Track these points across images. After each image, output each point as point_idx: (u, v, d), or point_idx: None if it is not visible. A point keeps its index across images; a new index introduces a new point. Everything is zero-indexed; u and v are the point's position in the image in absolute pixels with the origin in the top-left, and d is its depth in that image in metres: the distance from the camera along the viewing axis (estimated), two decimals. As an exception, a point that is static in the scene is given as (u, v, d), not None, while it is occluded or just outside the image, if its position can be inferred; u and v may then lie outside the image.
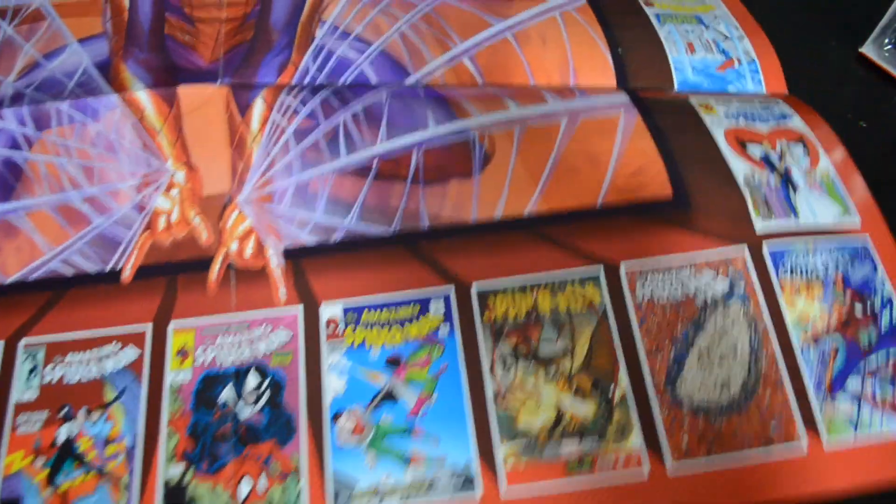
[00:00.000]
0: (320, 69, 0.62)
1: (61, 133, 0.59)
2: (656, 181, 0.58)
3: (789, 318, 0.54)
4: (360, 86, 0.62)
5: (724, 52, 0.67)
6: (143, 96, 0.60)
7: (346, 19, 0.65)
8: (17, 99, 0.60)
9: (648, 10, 0.69)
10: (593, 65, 0.65)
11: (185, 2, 0.66)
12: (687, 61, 0.66)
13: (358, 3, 0.66)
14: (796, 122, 0.62)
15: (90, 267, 0.54)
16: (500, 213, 0.57)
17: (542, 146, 0.59)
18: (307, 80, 0.61)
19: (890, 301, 0.54)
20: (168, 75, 0.61)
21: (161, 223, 0.56)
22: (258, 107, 0.60)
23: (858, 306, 0.54)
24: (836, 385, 0.52)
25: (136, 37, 0.63)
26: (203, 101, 0.60)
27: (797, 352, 0.53)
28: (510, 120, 0.61)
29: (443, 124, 0.60)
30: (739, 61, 0.67)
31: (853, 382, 0.52)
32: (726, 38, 0.68)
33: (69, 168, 0.57)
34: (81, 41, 0.63)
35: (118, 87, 0.60)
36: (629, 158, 0.59)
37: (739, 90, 0.66)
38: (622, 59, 0.65)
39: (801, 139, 0.61)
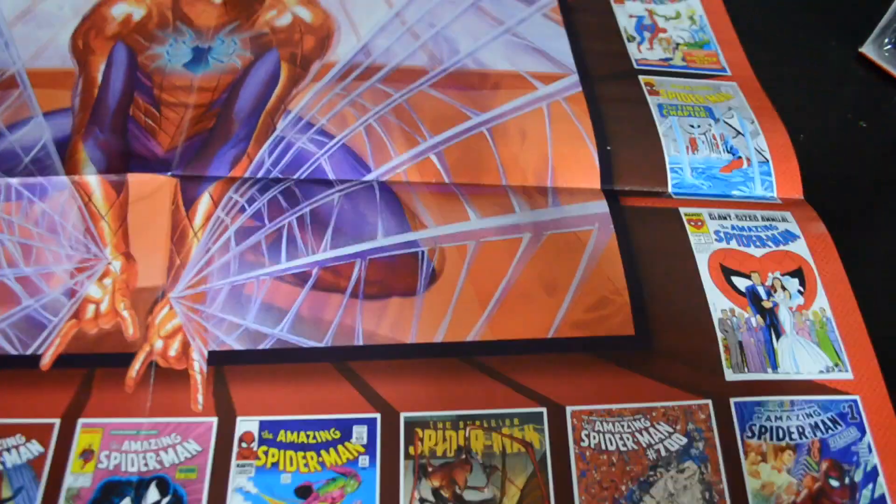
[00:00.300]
0: (276, 163, 0.59)
1: (7, 209, 0.57)
2: (618, 316, 0.53)
3: (750, 487, 0.48)
4: (314, 182, 0.58)
5: (731, 150, 0.61)
6: (94, 180, 0.58)
7: (312, 111, 0.62)
8: (-31, 169, 0.58)
9: (651, 100, 0.63)
10: (576, 164, 0.59)
11: (156, 83, 0.63)
12: (686, 161, 0.60)
13: (327, 93, 0.62)
14: (799, 247, 0.56)
15: (10, 349, 0.51)
16: (440, 338, 0.52)
17: (495, 266, 0.55)
18: (261, 173, 0.58)
19: (874, 474, 0.48)
20: (122, 161, 0.58)
21: (89, 312, 0.53)
22: (204, 201, 0.57)
23: (834, 480, 0.48)
24: (795, 571, 0.45)
25: (100, 116, 0.61)
26: (151, 190, 0.57)
27: (755, 528, 0.46)
28: (466, 233, 0.56)
29: (392, 235, 0.56)
30: (749, 161, 0.60)
31: (815, 570, 0.46)
32: (738, 133, 0.62)
33: (8, 244, 0.55)
34: (47, 114, 0.61)
35: (71, 168, 0.58)
36: (592, 287, 0.54)
37: (746, 195, 0.60)
38: (610, 157, 0.59)
39: (798, 269, 0.55)
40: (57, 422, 0.49)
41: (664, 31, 0.71)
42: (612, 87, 0.65)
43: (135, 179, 0.57)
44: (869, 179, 0.64)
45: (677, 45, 0.70)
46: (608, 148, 0.60)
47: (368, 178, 0.58)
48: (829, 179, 0.63)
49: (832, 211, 0.60)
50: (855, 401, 0.51)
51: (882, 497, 0.48)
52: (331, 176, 0.58)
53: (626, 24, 0.71)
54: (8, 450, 0.48)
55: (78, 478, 0.48)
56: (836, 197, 0.62)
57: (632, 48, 0.70)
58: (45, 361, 0.51)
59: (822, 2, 0.77)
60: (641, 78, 0.67)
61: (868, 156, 0.65)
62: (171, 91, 0.62)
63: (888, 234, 0.61)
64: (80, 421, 0.49)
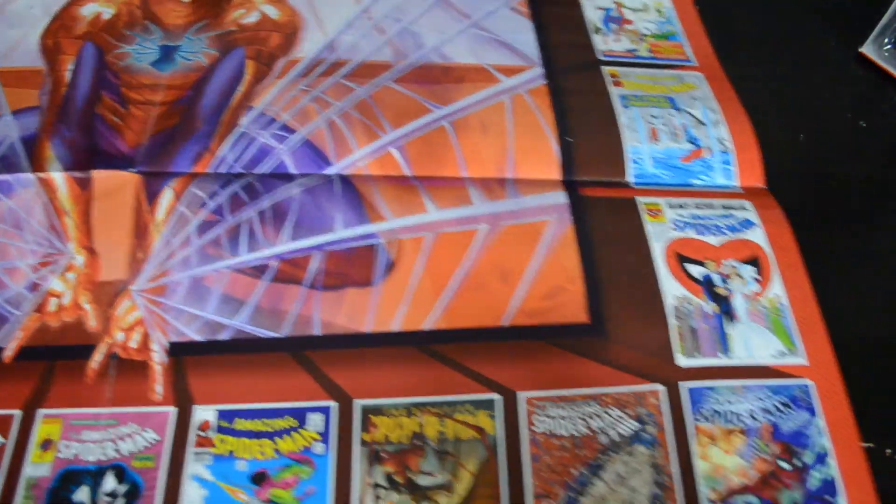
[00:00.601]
0: (238, 158, 0.60)
1: (-27, 206, 0.57)
2: (572, 304, 0.54)
3: (700, 470, 0.48)
4: (276, 176, 0.59)
5: (693, 139, 0.61)
6: (59, 177, 0.59)
7: (276, 106, 0.63)
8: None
9: (614, 91, 0.64)
10: (536, 155, 0.60)
11: (124, 81, 0.64)
12: (647, 151, 0.60)
13: (291, 89, 0.63)
14: (756, 234, 0.56)
15: (-27, 343, 0.52)
16: (396, 327, 0.53)
17: (451, 257, 0.56)
18: (223, 168, 0.59)
19: (824, 457, 0.48)
20: (87, 158, 0.59)
21: (52, 305, 0.54)
22: (166, 196, 0.58)
23: (784, 462, 0.48)
24: (744, 553, 0.46)
25: (67, 114, 0.62)
26: (115, 186, 0.58)
27: (704, 511, 0.47)
28: (424, 224, 0.57)
29: (351, 227, 0.57)
30: (710, 150, 0.61)
31: (764, 552, 0.46)
32: (700, 123, 0.62)
33: (-28, 241, 0.56)
34: (16, 113, 0.62)
35: (37, 165, 0.59)
36: (546, 277, 0.55)
37: (706, 184, 0.60)
38: (571, 149, 0.59)
39: (755, 257, 0.55)
40: (18, 413, 0.50)
41: (631, 22, 0.72)
42: (575, 79, 0.66)
43: (99, 176, 0.58)
44: (869, 179, 0.64)
45: (643, 36, 0.70)
46: (569, 139, 0.61)
47: (329, 172, 0.59)
48: (829, 179, 0.63)
49: (832, 211, 0.61)
50: (807, 385, 0.51)
51: (832, 480, 0.48)
52: (292, 170, 0.59)
53: (593, 16, 0.72)
54: (-31, 440, 0.48)
55: (37, 467, 0.49)
56: (836, 197, 0.62)
57: (598, 40, 0.70)
58: (8, 354, 0.52)
59: (822, 2, 0.77)
60: (606, 69, 0.67)
61: (868, 156, 0.65)
62: (138, 89, 0.63)
63: (888, 234, 0.61)
64: (41, 412, 0.50)
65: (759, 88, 0.68)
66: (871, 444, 0.49)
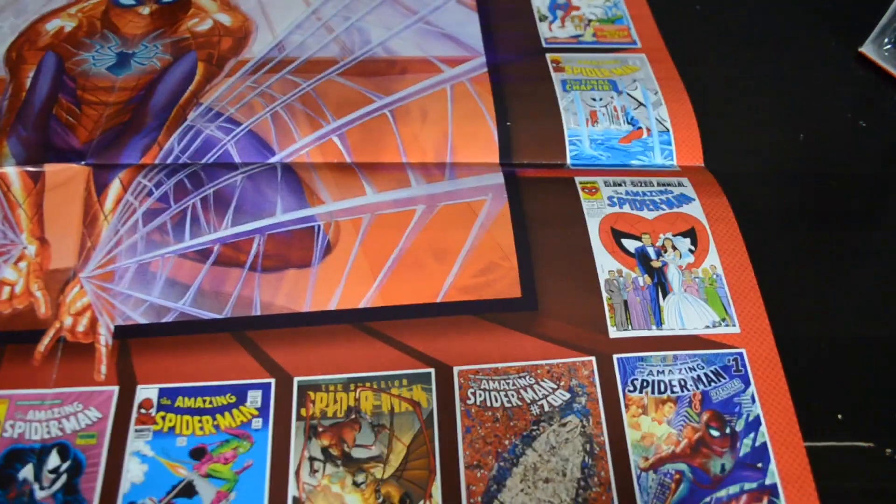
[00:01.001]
0: (184, 150, 0.62)
1: (-71, 201, 0.59)
2: (505, 280, 0.55)
3: (630, 438, 0.49)
4: (220, 166, 0.61)
5: (632, 121, 0.62)
6: (13, 172, 0.61)
7: (223, 102, 0.65)
8: None
9: (556, 77, 0.65)
10: (475, 140, 0.61)
11: (80, 84, 0.67)
12: (586, 133, 0.61)
13: (239, 86, 0.66)
14: (693, 208, 0.57)
15: (-78, 331, 0.53)
16: (334, 306, 0.54)
17: (389, 236, 0.57)
18: (170, 159, 0.61)
19: (756, 424, 0.49)
20: (40, 153, 0.62)
21: (4, 294, 0.56)
22: (114, 187, 0.60)
23: (715, 430, 0.49)
24: (674, 518, 0.46)
25: (25, 115, 0.64)
26: (65, 179, 0.60)
27: (634, 478, 0.47)
28: (362, 206, 0.58)
29: (291, 211, 0.58)
30: (649, 131, 0.62)
31: (695, 516, 0.46)
32: (640, 104, 0.63)
33: (-72, 236, 0.58)
34: (-22, 118, 0.64)
35: (-7, 162, 0.60)
36: (480, 254, 0.56)
37: (645, 164, 0.62)
38: (510, 133, 0.61)
39: (691, 230, 0.56)
40: None
41: (577, 8, 0.73)
42: (517, 67, 0.67)
43: (51, 169, 0.60)
44: (869, 179, 0.64)
45: (589, 21, 0.72)
46: (508, 124, 0.62)
47: (272, 160, 0.60)
48: (830, 179, 0.63)
49: (832, 211, 0.61)
50: (741, 354, 0.52)
51: (764, 445, 0.49)
52: (236, 160, 0.61)
53: (539, 4, 0.74)
54: (-84, 423, 0.50)
55: (-16, 447, 0.49)
56: (836, 197, 0.62)
57: (543, 27, 0.72)
58: (-42, 341, 0.53)
59: (822, 2, 0.77)
60: (548, 56, 0.69)
61: (868, 156, 0.65)
62: (93, 91, 0.66)
63: (888, 234, 0.61)
64: (-12, 393, 0.50)
65: (759, 88, 0.69)
66: (871, 444, 0.50)
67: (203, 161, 0.60)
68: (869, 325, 0.55)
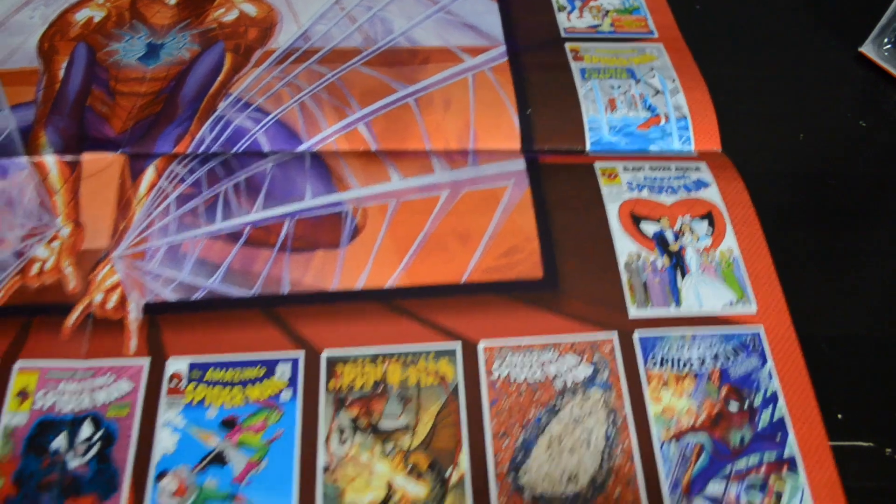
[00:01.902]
0: (216, 139, 0.63)
1: (-31, 188, 0.60)
2: (528, 262, 0.57)
3: (652, 411, 0.50)
4: (250, 154, 0.62)
5: (650, 108, 0.64)
6: (51, 160, 0.62)
7: (251, 92, 0.66)
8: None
9: (575, 66, 0.67)
10: (497, 128, 0.63)
11: (112, 75, 0.69)
12: (604, 120, 0.63)
13: (266, 76, 0.67)
14: (710, 192, 0.59)
15: (-46, 303, 0.55)
16: (361, 285, 0.55)
17: (414, 221, 0.59)
18: (202, 148, 0.63)
19: (773, 398, 0.50)
20: (78, 143, 0.63)
21: (34, 269, 0.57)
22: (149, 173, 0.61)
23: (734, 403, 0.50)
24: (695, 487, 0.48)
25: (60, 105, 0.66)
26: (102, 167, 0.62)
27: (656, 448, 0.49)
28: (388, 192, 0.60)
29: (319, 196, 0.60)
30: (667, 117, 0.64)
31: (716, 486, 0.48)
32: (657, 92, 0.65)
33: (-34, 218, 0.59)
34: (14, 107, 0.66)
35: (32, 150, 0.63)
36: (503, 237, 0.58)
37: (663, 149, 0.63)
38: (530, 120, 0.62)
39: (708, 213, 0.58)
40: None
41: (596, -1, 0.75)
42: (537, 56, 0.69)
43: (88, 158, 0.62)
44: (869, 179, 0.64)
45: (607, 11, 0.74)
46: (528, 112, 0.63)
47: (300, 149, 0.62)
48: (829, 179, 0.64)
49: (832, 210, 0.61)
50: (758, 332, 0.53)
51: (781, 419, 0.50)
52: (265, 149, 0.62)
53: (559, -6, 0.76)
54: (-54, 392, 0.51)
55: (14, 416, 0.51)
56: (836, 197, 0.63)
57: (561, 17, 0.74)
58: (-14, 313, 0.53)
59: (822, 2, 0.77)
60: (567, 45, 0.71)
61: (868, 156, 0.66)
62: (125, 82, 0.67)
63: (888, 234, 0.61)
64: (17, 364, 0.52)
65: (760, 88, 0.69)
66: (871, 444, 0.51)
67: (234, 150, 0.62)
68: (868, 325, 0.56)
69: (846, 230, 0.61)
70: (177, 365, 0.52)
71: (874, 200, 0.63)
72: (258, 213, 0.59)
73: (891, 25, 0.70)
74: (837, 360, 0.54)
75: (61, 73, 0.68)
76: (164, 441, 0.50)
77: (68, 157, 0.62)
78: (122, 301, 0.55)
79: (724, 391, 0.51)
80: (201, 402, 0.51)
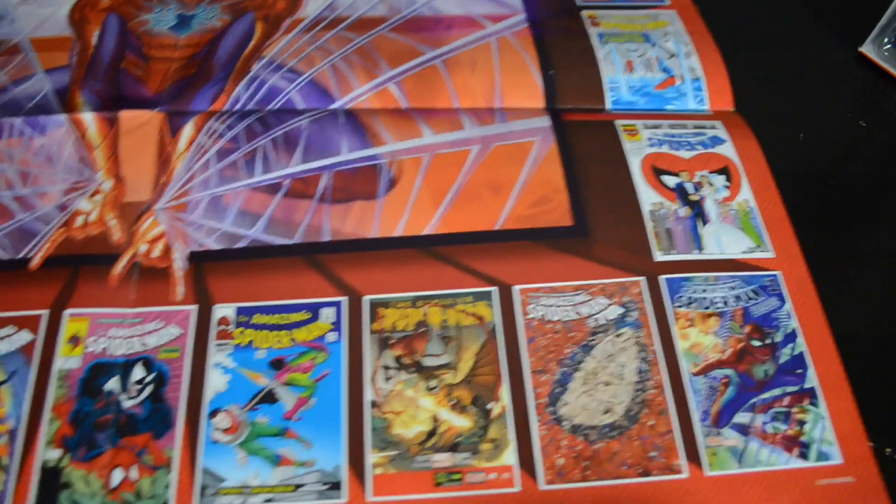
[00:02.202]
0: (251, 97, 0.65)
1: (9, 143, 0.63)
2: (558, 211, 0.59)
3: (681, 347, 0.53)
4: (285, 112, 0.65)
5: (666, 69, 0.67)
6: (89, 117, 0.64)
7: (284, 55, 0.69)
8: (-23, 115, 0.64)
9: (592, 31, 0.70)
10: (522, 87, 0.66)
11: (145, 41, 0.71)
12: (623, 80, 0.66)
13: (298, 41, 0.70)
14: (726, 148, 0.62)
15: (3, 255, 0.56)
16: (399, 233, 0.58)
17: (448, 172, 0.61)
18: (238, 107, 0.65)
19: (793, 336, 0.53)
20: (114, 101, 0.65)
21: (78, 221, 0.58)
22: (188, 130, 0.63)
23: (756, 341, 0.53)
24: (724, 417, 0.51)
25: (95, 69, 0.68)
26: (140, 123, 0.64)
27: (686, 382, 0.51)
28: (421, 147, 0.62)
29: (355, 150, 0.62)
30: (682, 79, 0.67)
31: (742, 416, 0.51)
32: (672, 55, 0.68)
33: (8, 172, 0.61)
34: (48, 71, 0.68)
35: (69, 109, 0.65)
36: (534, 187, 0.60)
37: (679, 108, 0.67)
38: (553, 80, 0.65)
39: (725, 167, 0.61)
40: (45, 312, 0.54)
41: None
42: (556, 22, 0.72)
43: (126, 115, 0.64)
44: (869, 179, 0.64)
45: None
46: (551, 72, 0.66)
47: (333, 106, 0.64)
48: (829, 179, 0.64)
49: (832, 210, 0.62)
50: (776, 275, 0.56)
51: (801, 354, 0.53)
52: (300, 106, 0.64)
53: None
54: (1, 339, 0.53)
55: (67, 360, 0.53)
56: (836, 197, 0.63)
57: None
58: (34, 263, 0.57)
59: (822, 2, 0.77)
60: (584, 13, 0.74)
61: (868, 156, 0.66)
62: (158, 48, 0.70)
63: (888, 234, 0.61)
64: (67, 311, 0.54)
65: (760, 88, 0.69)
66: (871, 444, 0.51)
67: (269, 107, 0.64)
68: (868, 325, 0.57)
69: (846, 230, 0.61)
70: (223, 311, 0.54)
71: (874, 200, 0.63)
72: (296, 167, 0.61)
73: (891, 25, 0.70)
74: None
75: (94, 41, 0.70)
76: (215, 381, 0.52)
77: (106, 114, 0.64)
78: (167, 250, 0.57)
79: (747, 329, 0.54)
80: (249, 344, 0.53)
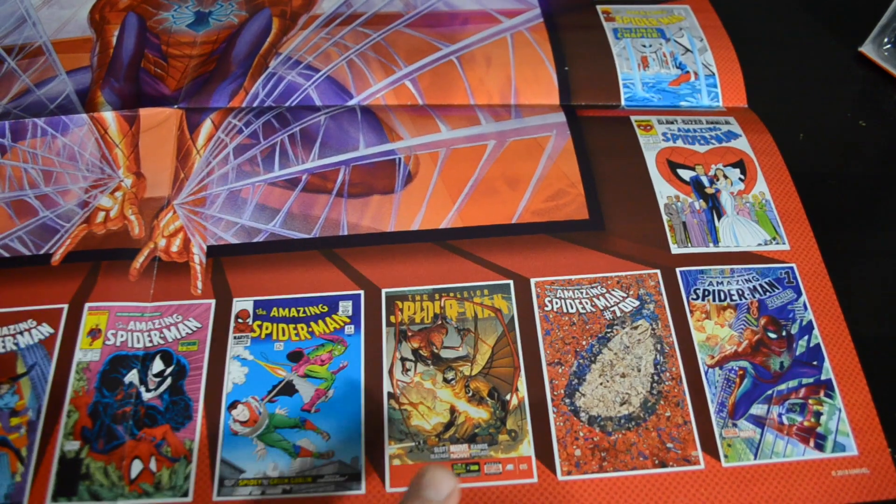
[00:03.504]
0: (269, 94, 0.66)
1: (33, 144, 0.64)
2: (573, 204, 0.60)
3: (697, 339, 0.53)
4: (303, 108, 0.65)
5: (680, 65, 0.67)
6: (109, 116, 0.65)
7: (301, 51, 0.69)
8: (2, 116, 0.66)
9: (607, 26, 0.71)
10: (537, 83, 0.66)
11: (164, 40, 0.72)
12: (638, 77, 0.67)
13: (314, 37, 0.70)
14: (740, 143, 0.62)
15: (24, 251, 0.57)
16: (416, 226, 0.59)
17: (464, 167, 0.62)
18: (256, 103, 0.65)
19: (809, 328, 0.53)
20: (134, 100, 0.66)
21: (99, 217, 0.59)
22: (206, 126, 0.64)
23: (772, 333, 0.53)
24: (740, 409, 0.51)
25: (115, 69, 0.69)
26: (160, 121, 0.64)
27: (702, 373, 0.52)
28: (438, 142, 0.63)
29: (373, 146, 0.63)
30: (696, 75, 0.67)
31: (758, 408, 0.51)
32: (687, 51, 0.68)
33: (31, 172, 0.62)
34: (70, 72, 0.69)
35: (90, 108, 0.66)
36: (549, 181, 0.61)
37: (693, 105, 0.67)
38: (568, 76, 0.66)
39: (740, 161, 0.61)
40: (65, 306, 0.55)
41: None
42: (571, 17, 0.72)
43: (146, 113, 0.65)
44: (869, 179, 0.64)
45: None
46: (566, 68, 0.67)
47: (351, 103, 0.65)
48: (829, 179, 0.64)
49: (832, 210, 0.62)
50: (791, 268, 0.57)
51: (818, 345, 0.54)
52: (317, 103, 0.65)
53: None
54: (21, 333, 0.54)
55: (87, 353, 0.53)
56: (836, 196, 0.63)
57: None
58: (56, 258, 0.57)
59: (822, 2, 0.78)
60: (599, 7, 0.74)
61: (868, 155, 0.66)
62: (176, 46, 0.70)
63: (888, 234, 0.61)
64: (87, 305, 0.55)
65: (760, 88, 0.69)
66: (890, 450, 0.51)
67: (287, 104, 0.64)
68: (869, 325, 0.56)
69: (846, 230, 0.61)
70: (242, 304, 0.55)
71: (874, 200, 0.63)
72: (315, 162, 0.61)
73: (891, 25, 0.70)
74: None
75: (114, 40, 0.71)
76: (234, 373, 0.52)
77: (126, 113, 0.65)
78: (186, 245, 0.57)
79: (762, 321, 0.54)
80: (268, 336, 0.54)
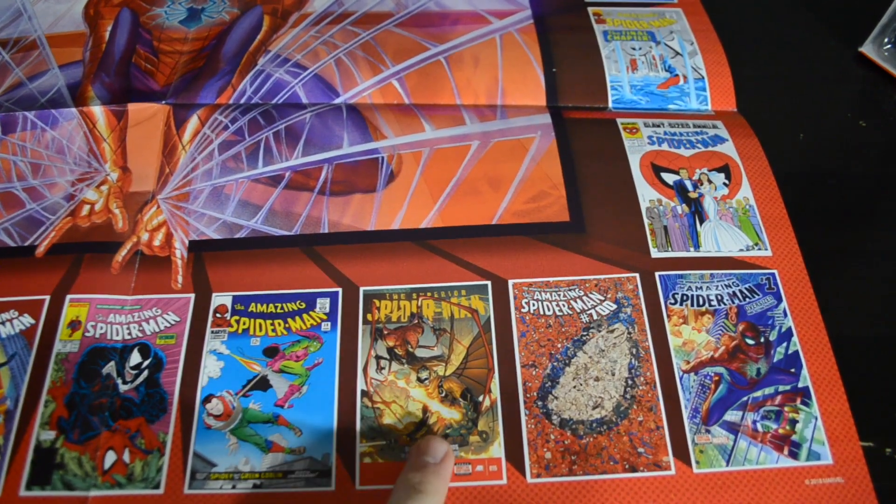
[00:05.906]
0: (256, 91, 0.67)
1: (23, 137, 0.64)
2: (555, 206, 0.60)
3: (673, 344, 0.53)
4: (289, 105, 0.65)
5: (669, 68, 0.67)
6: (98, 110, 0.66)
7: (290, 49, 0.70)
8: (-7, 109, 0.66)
9: (598, 28, 0.70)
10: (524, 84, 0.66)
11: (156, 35, 0.72)
12: (626, 79, 0.66)
13: (304, 35, 0.71)
14: (727, 147, 0.62)
15: (10, 242, 0.57)
16: (397, 226, 0.59)
17: (447, 167, 0.62)
18: (243, 100, 0.66)
19: (789, 335, 0.53)
20: (124, 95, 0.67)
21: (84, 210, 0.59)
22: (192, 122, 0.65)
23: (750, 339, 0.53)
24: (714, 415, 0.51)
25: (106, 64, 0.69)
26: (147, 116, 0.65)
27: (677, 378, 0.51)
28: (422, 141, 0.63)
29: (356, 144, 0.63)
30: (685, 78, 0.67)
31: (733, 414, 0.51)
32: (676, 54, 0.68)
33: (20, 164, 0.62)
34: (62, 66, 0.70)
35: (80, 103, 0.66)
36: (532, 183, 0.61)
37: (681, 108, 0.67)
38: (555, 78, 0.66)
39: (725, 166, 0.61)
40: (47, 298, 0.55)
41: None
42: (561, 19, 0.72)
43: (134, 108, 0.65)
44: (869, 179, 0.64)
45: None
46: (554, 70, 0.67)
47: (337, 101, 0.65)
48: (829, 179, 0.64)
49: (832, 210, 0.62)
50: (773, 274, 0.56)
51: (796, 353, 0.53)
52: (304, 100, 0.65)
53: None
54: (3, 323, 0.54)
55: (66, 344, 0.54)
56: (836, 196, 0.63)
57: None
58: (40, 250, 0.58)
59: (822, 2, 0.77)
60: (590, 9, 0.74)
61: (868, 156, 0.66)
62: (168, 42, 0.71)
63: (888, 234, 0.61)
64: (68, 296, 0.55)
65: (760, 88, 0.69)
66: (871, 444, 0.51)
67: (274, 101, 0.65)
68: (868, 325, 0.56)
69: (846, 230, 0.61)
70: (221, 299, 0.55)
71: (874, 200, 0.63)
72: (298, 159, 0.62)
73: (891, 25, 0.70)
74: (837, 360, 0.55)
75: (107, 35, 0.71)
76: (210, 367, 0.53)
77: (115, 107, 0.65)
78: (168, 238, 0.57)
79: (741, 327, 0.54)
80: (245, 331, 0.54)
